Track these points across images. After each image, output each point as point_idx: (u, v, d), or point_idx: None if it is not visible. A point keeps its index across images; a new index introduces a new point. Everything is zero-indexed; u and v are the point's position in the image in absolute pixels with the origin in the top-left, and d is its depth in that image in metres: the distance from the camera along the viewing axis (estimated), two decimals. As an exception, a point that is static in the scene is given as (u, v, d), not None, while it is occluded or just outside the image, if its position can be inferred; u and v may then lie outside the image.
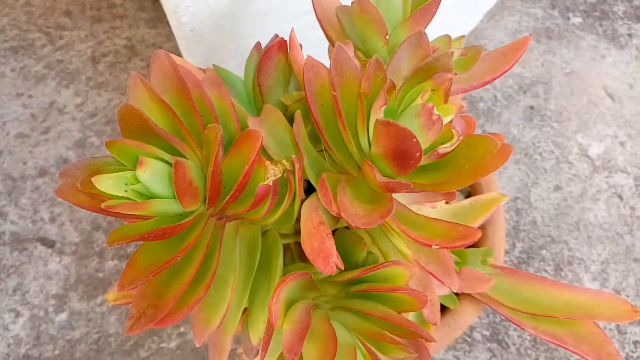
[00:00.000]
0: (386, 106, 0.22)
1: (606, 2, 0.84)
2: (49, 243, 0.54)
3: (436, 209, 0.35)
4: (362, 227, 0.21)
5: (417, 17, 0.29)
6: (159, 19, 0.69)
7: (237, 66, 0.45)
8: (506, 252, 0.61)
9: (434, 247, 0.23)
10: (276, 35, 0.33)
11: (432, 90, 0.22)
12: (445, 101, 0.23)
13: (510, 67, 0.33)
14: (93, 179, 0.21)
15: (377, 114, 0.22)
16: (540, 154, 0.68)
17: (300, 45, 0.35)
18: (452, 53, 0.24)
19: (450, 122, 0.22)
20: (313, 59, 0.25)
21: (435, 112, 0.21)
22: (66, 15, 0.68)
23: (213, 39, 0.43)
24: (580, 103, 0.73)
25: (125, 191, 0.22)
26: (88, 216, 0.55)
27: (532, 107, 0.71)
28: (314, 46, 0.36)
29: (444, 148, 0.22)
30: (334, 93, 0.23)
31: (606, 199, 0.65)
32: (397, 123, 0.20)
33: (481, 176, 0.23)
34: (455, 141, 0.22)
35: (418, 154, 0.21)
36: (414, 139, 0.20)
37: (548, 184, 0.65)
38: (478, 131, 0.68)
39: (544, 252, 0.61)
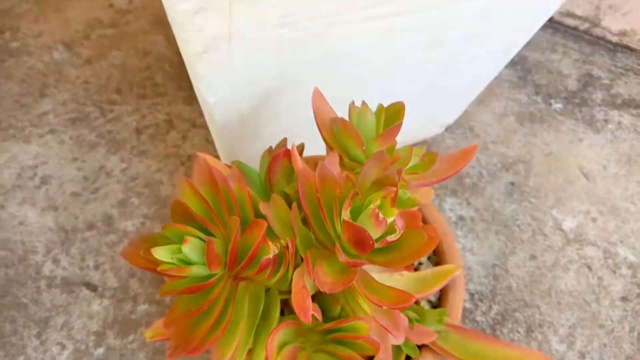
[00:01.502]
0: (351, 207, 0.32)
1: (586, 90, 0.95)
2: (92, 287, 0.64)
3: (404, 276, 0.44)
4: (328, 292, 0.31)
5: (385, 135, 0.40)
6: (194, 97, 0.82)
7: (255, 149, 0.57)
8: (483, 313, 0.69)
9: (384, 307, 0.33)
10: (285, 140, 0.44)
11: (384, 197, 0.33)
12: (392, 205, 0.33)
13: (461, 168, 0.44)
14: (152, 250, 0.32)
15: (345, 213, 0.32)
16: (519, 226, 0.77)
17: (302, 145, 0.46)
18: (401, 170, 0.34)
19: (394, 221, 0.32)
20: (306, 167, 0.36)
21: (381, 215, 0.31)
22: (117, 92, 0.81)
23: (237, 128, 0.54)
24: (557, 181, 0.82)
25: (172, 258, 0.32)
26: (125, 265, 0.66)
27: (512, 184, 0.81)
28: (316, 136, 0.47)
29: (391, 238, 0.32)
30: (317, 194, 0.34)
31: (576, 269, 0.74)
32: (355, 223, 0.30)
33: (418, 258, 0.33)
34: (398, 234, 0.32)
35: (371, 242, 0.31)
36: (367, 234, 0.30)
37: (524, 253, 0.74)
38: (463, 204, 0.78)
39: (517, 314, 0.69)
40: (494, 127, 0.88)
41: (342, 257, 0.32)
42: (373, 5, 0.44)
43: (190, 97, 0.82)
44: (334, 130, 0.42)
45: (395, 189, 0.33)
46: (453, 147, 0.84)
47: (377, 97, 0.60)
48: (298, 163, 0.38)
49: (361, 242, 0.31)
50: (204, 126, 0.79)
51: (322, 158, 0.53)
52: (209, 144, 0.77)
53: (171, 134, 0.78)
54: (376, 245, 0.32)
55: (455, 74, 0.62)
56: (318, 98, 0.45)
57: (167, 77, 0.84)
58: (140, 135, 0.77)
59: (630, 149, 0.88)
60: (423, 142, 0.83)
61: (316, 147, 0.49)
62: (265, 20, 0.40)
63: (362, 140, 0.40)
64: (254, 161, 0.61)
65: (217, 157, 0.74)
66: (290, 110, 0.54)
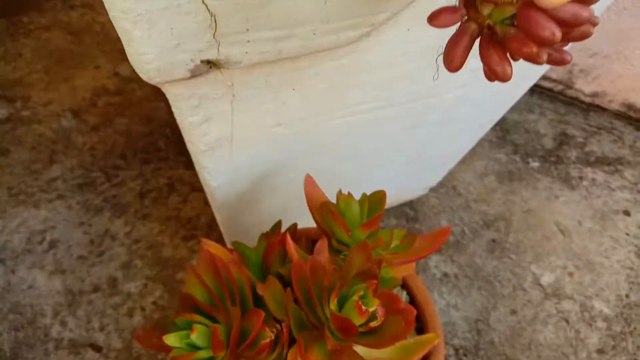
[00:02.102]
0: (337, 297, 0.37)
1: (561, 149, 1.01)
2: (97, 348, 0.68)
3: (389, 347, 0.49)
4: (318, 374, 0.35)
5: (368, 224, 0.45)
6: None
7: (253, 219, 0.62)
8: (467, 367, 0.73)
9: (367, 384, 0.38)
10: (279, 223, 0.49)
11: (367, 288, 0.38)
12: (374, 295, 0.38)
13: (438, 247, 0.49)
14: (164, 337, 0.36)
15: (332, 303, 0.37)
16: (500, 281, 0.82)
17: (295, 225, 0.52)
18: (381, 262, 0.39)
19: (375, 309, 0.37)
20: (299, 259, 0.41)
21: (364, 307, 0.36)
22: (121, 157, 0.87)
23: (237, 204, 0.59)
24: (536, 237, 0.87)
25: (181, 344, 0.37)
26: (129, 327, 0.70)
27: (494, 240, 0.86)
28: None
29: (373, 324, 0.37)
30: (309, 283, 0.39)
31: (555, 323, 0.78)
32: (340, 314, 0.35)
33: (398, 341, 0.38)
34: (379, 320, 0.37)
35: (355, 329, 0.36)
36: (352, 322, 0.35)
37: (505, 308, 0.79)
38: (447, 261, 0.83)
39: (499, 368, 0.74)
40: (476, 185, 0.93)
41: (331, 344, 0.36)
42: (358, 104, 0.50)
43: (190, 162, 0.87)
44: (324, 215, 0.48)
45: (376, 281, 0.38)
46: (437, 206, 0.89)
47: (364, 169, 0.66)
48: (292, 252, 0.43)
49: (347, 329, 0.36)
50: (203, 190, 0.84)
51: (312, 230, 0.58)
52: (207, 207, 0.82)
53: (172, 197, 0.83)
54: (360, 330, 0.37)
55: (436, 148, 0.68)
56: (309, 183, 0.50)
57: (169, 143, 0.89)
58: (144, 199, 0.82)
59: (604, 205, 0.93)
60: (409, 202, 0.89)
61: (308, 216, 0.53)
62: (262, 123, 0.46)
63: (348, 227, 0.45)
64: (251, 230, 0.66)
65: (216, 223, 0.79)
66: (286, 186, 0.60)
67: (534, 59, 0.21)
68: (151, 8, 0.28)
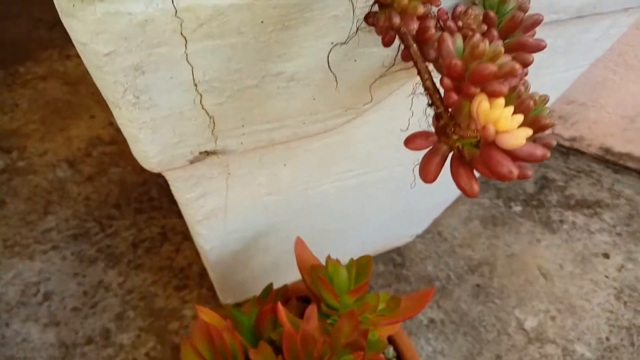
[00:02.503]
0: (327, 369, 0.40)
1: (542, 193, 1.05)
2: (91, 402, 0.69)
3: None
4: None
5: (355, 290, 0.47)
6: (186, 210, 0.89)
7: (245, 275, 0.64)
8: (454, 414, 0.75)
9: None
10: (271, 286, 0.52)
11: (354, 359, 0.40)
12: (361, 365, 0.40)
13: (423, 307, 0.51)
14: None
15: (322, 374, 0.39)
16: (485, 327, 0.84)
17: (286, 287, 0.54)
18: (367, 332, 0.42)
19: (362, 380, 0.39)
20: (290, 328, 0.43)
21: (351, 379, 0.38)
22: (116, 207, 0.89)
23: (230, 262, 0.62)
24: (519, 282, 0.90)
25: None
26: (123, 380, 0.71)
27: (478, 285, 0.89)
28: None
29: (360, 393, 0.39)
30: (299, 354, 0.41)
31: (538, 367, 0.81)
32: (329, 387, 0.37)
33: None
34: (366, 390, 0.39)
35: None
36: (340, 394, 0.37)
37: (490, 353, 0.81)
38: (434, 307, 0.85)
39: (485, 414, 0.75)
40: (460, 230, 0.96)
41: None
42: (345, 172, 0.53)
43: (183, 210, 0.89)
44: (314, 279, 0.50)
45: (362, 352, 0.40)
46: (424, 251, 0.92)
47: (352, 224, 0.69)
48: (284, 321, 0.46)
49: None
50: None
51: (302, 287, 0.60)
52: (199, 256, 0.84)
53: (165, 247, 0.85)
54: (348, 400, 0.39)
55: (420, 203, 0.71)
56: (300, 246, 0.53)
57: (162, 192, 0.91)
58: (137, 249, 0.84)
59: (584, 248, 0.97)
60: (396, 248, 0.91)
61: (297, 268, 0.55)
62: (255, 193, 0.49)
63: (337, 293, 0.48)
64: (243, 284, 0.68)
65: (207, 272, 0.81)
66: (277, 244, 0.62)
67: (499, 179, 0.24)
68: (155, 116, 0.31)
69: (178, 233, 0.87)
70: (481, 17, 0.29)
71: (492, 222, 0.98)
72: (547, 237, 0.97)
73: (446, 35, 0.23)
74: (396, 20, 0.23)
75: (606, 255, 0.96)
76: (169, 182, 0.43)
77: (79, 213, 0.87)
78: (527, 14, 0.34)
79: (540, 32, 0.43)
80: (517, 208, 1.01)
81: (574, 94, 1.02)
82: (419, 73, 0.24)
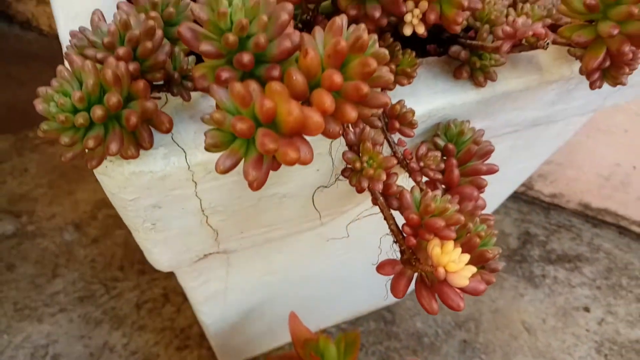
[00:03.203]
0: None
1: (525, 248, 1.10)
2: None
3: None
4: None
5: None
6: (187, 271, 0.94)
7: (243, 338, 0.69)
8: None
9: None
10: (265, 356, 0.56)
11: None
12: None
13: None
14: None
15: None
16: (471, 382, 0.88)
17: None
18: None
19: None
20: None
21: None
22: (120, 269, 0.94)
23: (228, 330, 0.66)
24: (503, 337, 0.95)
25: None
26: None
27: (465, 341, 0.93)
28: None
29: None
30: None
31: (523, 423, 0.84)
32: None
33: None
34: None
35: None
36: None
37: (477, 409, 0.85)
38: (423, 363, 0.90)
39: None
40: (448, 286, 1.01)
41: None
42: (336, 251, 0.58)
43: (184, 270, 0.94)
44: (306, 353, 0.55)
45: None
46: (413, 308, 0.97)
47: (344, 290, 0.74)
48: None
49: None
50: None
51: (292, 354, 0.65)
52: (200, 316, 0.89)
53: (167, 307, 0.90)
54: None
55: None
56: (293, 320, 0.58)
57: (164, 253, 0.96)
58: (140, 310, 0.89)
59: (565, 302, 1.02)
60: (386, 306, 0.96)
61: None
62: (252, 276, 0.54)
63: (328, 367, 0.53)
64: (240, 346, 0.73)
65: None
66: (272, 313, 0.67)
67: (451, 309, 0.30)
68: (168, 236, 0.37)
69: (179, 294, 0.91)
70: (439, 157, 0.35)
71: (478, 277, 1.03)
72: (530, 291, 1.02)
73: (405, 191, 0.29)
74: (364, 184, 0.29)
75: (587, 309, 1.01)
76: (175, 274, 0.48)
77: (85, 275, 0.92)
78: (484, 138, 0.40)
79: (502, 138, 0.49)
80: (501, 263, 1.06)
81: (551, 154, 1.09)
82: (385, 219, 0.30)
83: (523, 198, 1.19)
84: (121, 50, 0.26)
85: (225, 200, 0.36)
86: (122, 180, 0.30)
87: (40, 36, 1.33)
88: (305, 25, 0.35)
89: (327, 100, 0.22)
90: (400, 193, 0.29)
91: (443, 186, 0.38)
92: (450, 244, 0.29)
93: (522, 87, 0.41)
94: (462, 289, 0.29)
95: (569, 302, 1.02)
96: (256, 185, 0.23)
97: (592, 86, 0.36)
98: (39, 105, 0.23)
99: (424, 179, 0.37)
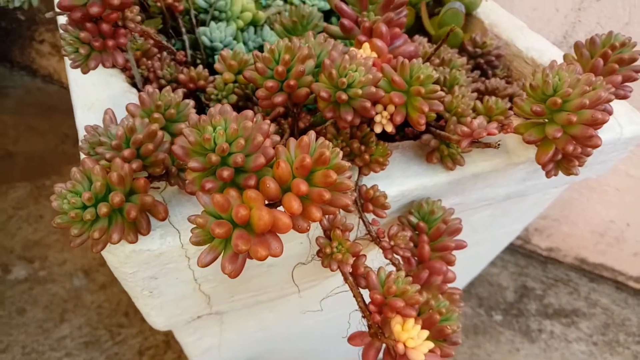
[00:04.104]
0: None
1: (522, 301, 1.12)
2: None
3: None
4: None
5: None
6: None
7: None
8: None
9: None
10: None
11: None
12: None
13: None
14: None
15: None
16: None
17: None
18: None
19: None
20: None
21: None
22: (125, 315, 0.97)
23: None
24: (498, 392, 0.96)
25: None
26: None
27: (460, 396, 0.94)
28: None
29: None
30: None
31: None
32: None
33: None
34: None
35: None
36: None
37: None
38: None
39: None
40: (444, 339, 1.03)
41: None
42: (325, 308, 0.62)
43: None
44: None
45: None
46: None
47: (334, 342, 0.76)
48: None
49: None
50: None
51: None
52: (200, 364, 0.91)
53: (168, 354, 0.93)
54: None
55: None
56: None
57: (168, 300, 1.00)
58: (142, 357, 0.92)
59: (562, 357, 1.03)
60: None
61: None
62: (245, 332, 0.57)
63: None
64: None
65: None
66: (265, 357, 0.70)
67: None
68: (164, 301, 0.41)
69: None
70: (409, 237, 0.39)
71: (474, 331, 1.05)
72: (526, 346, 1.04)
73: (371, 272, 0.33)
74: (334, 267, 0.33)
75: (583, 365, 1.02)
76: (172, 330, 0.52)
77: (92, 321, 0.96)
78: (453, 216, 0.44)
79: (478, 209, 0.53)
80: (498, 317, 1.08)
81: (546, 210, 1.12)
82: (354, 296, 0.34)
83: (520, 251, 1.22)
84: (126, 152, 0.31)
85: (215, 270, 0.40)
86: (123, 258, 0.34)
87: (61, 89, 1.41)
88: (291, 123, 0.40)
89: (295, 205, 0.27)
90: (367, 274, 0.33)
91: (415, 259, 0.42)
92: (410, 322, 0.32)
93: (490, 169, 0.45)
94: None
95: (565, 358, 1.03)
96: (233, 275, 0.27)
97: (547, 175, 0.40)
98: (54, 202, 0.28)
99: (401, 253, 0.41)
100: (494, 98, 0.43)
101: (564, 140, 0.35)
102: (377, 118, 0.36)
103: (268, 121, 0.28)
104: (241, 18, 0.57)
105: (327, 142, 0.28)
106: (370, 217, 0.40)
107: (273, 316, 0.57)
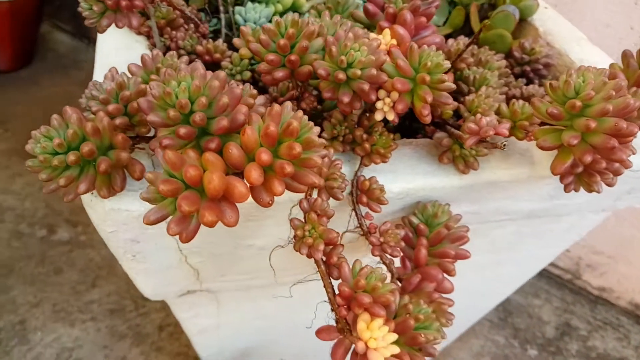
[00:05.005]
0: None
1: (562, 339, 1.04)
2: None
3: None
4: None
5: None
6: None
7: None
8: None
9: None
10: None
11: None
12: None
13: None
14: None
15: None
16: None
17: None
18: None
19: None
20: None
21: None
22: (152, 289, 0.99)
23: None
24: None
25: None
26: None
27: None
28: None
29: None
30: None
31: None
32: None
33: None
34: None
35: None
36: None
37: None
38: None
39: None
40: (469, 365, 0.97)
41: None
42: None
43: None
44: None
45: None
46: None
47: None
48: None
49: None
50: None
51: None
52: (214, 349, 0.91)
53: (185, 334, 0.93)
54: None
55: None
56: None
57: (195, 281, 1.01)
58: (162, 332, 0.93)
59: (598, 407, 0.94)
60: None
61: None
62: (244, 318, 0.56)
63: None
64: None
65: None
66: (266, 352, 0.69)
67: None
68: (148, 268, 0.40)
69: (200, 323, 0.95)
70: (402, 236, 0.36)
71: (504, 362, 0.99)
72: (560, 388, 0.96)
73: (345, 263, 0.31)
74: (304, 251, 0.31)
75: (621, 420, 0.93)
76: (167, 302, 0.52)
77: (120, 290, 0.99)
78: (463, 224, 0.41)
79: (501, 224, 0.49)
80: (533, 352, 1.01)
81: (601, 245, 1.03)
82: (324, 286, 0.32)
83: (568, 286, 1.13)
84: (111, 107, 0.31)
85: (199, 242, 0.39)
86: (103, 214, 0.34)
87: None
88: (296, 100, 0.38)
89: (254, 174, 0.25)
90: (340, 264, 0.31)
91: (412, 263, 0.39)
92: (378, 321, 0.30)
93: (509, 179, 0.41)
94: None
95: (601, 408, 0.94)
96: (183, 239, 0.26)
97: (566, 189, 0.36)
98: (28, 145, 0.28)
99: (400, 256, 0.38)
100: (521, 102, 0.39)
101: (582, 149, 0.31)
102: (379, 104, 0.34)
103: (242, 86, 0.26)
104: (281, 2, 0.56)
105: (301, 113, 0.26)
106: (365, 210, 0.38)
107: (272, 305, 0.56)
